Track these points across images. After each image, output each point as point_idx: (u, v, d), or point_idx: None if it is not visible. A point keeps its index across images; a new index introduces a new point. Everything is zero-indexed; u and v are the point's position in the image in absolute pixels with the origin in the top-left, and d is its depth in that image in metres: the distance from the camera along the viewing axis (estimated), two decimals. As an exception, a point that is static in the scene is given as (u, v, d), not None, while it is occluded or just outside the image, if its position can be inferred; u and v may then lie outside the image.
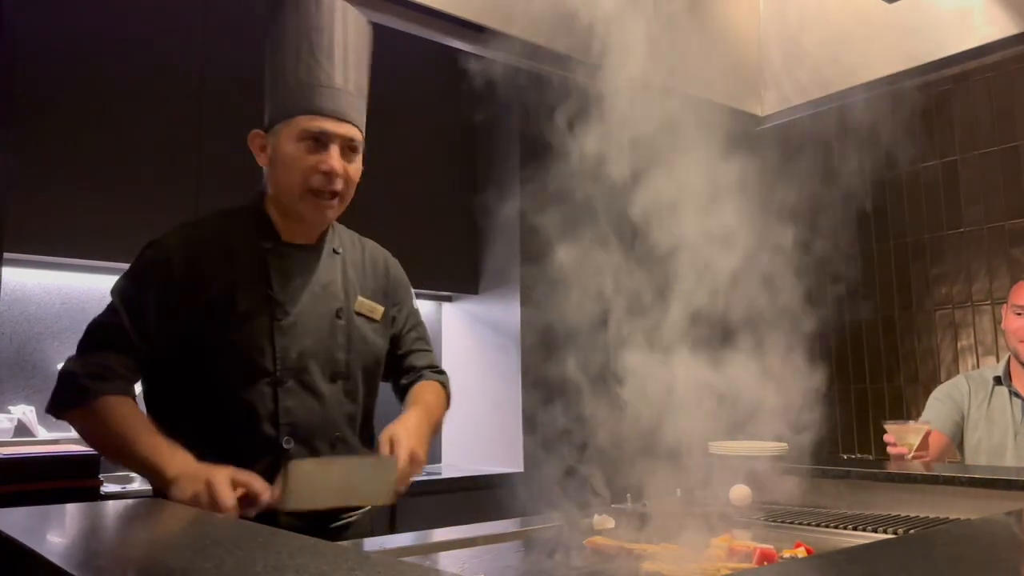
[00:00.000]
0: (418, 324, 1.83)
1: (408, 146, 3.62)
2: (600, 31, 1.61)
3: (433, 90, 3.69)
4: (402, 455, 1.49)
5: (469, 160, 3.95)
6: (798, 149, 3.66)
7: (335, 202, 1.61)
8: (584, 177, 1.56)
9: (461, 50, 3.00)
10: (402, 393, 1.77)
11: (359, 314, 1.68)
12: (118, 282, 1.58)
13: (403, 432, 1.55)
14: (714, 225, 1.59)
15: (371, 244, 1.81)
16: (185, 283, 1.53)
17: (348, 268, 1.70)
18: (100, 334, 1.54)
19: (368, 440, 1.71)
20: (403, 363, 1.78)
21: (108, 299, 1.57)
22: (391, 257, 1.84)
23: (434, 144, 3.76)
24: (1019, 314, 2.56)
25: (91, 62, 2.89)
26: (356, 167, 1.63)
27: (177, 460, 1.41)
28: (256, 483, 1.39)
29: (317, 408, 1.57)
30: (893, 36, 3.72)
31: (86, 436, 1.54)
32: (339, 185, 1.59)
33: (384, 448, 1.52)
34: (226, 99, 3.16)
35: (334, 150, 1.57)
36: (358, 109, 1.64)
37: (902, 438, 2.28)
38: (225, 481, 1.36)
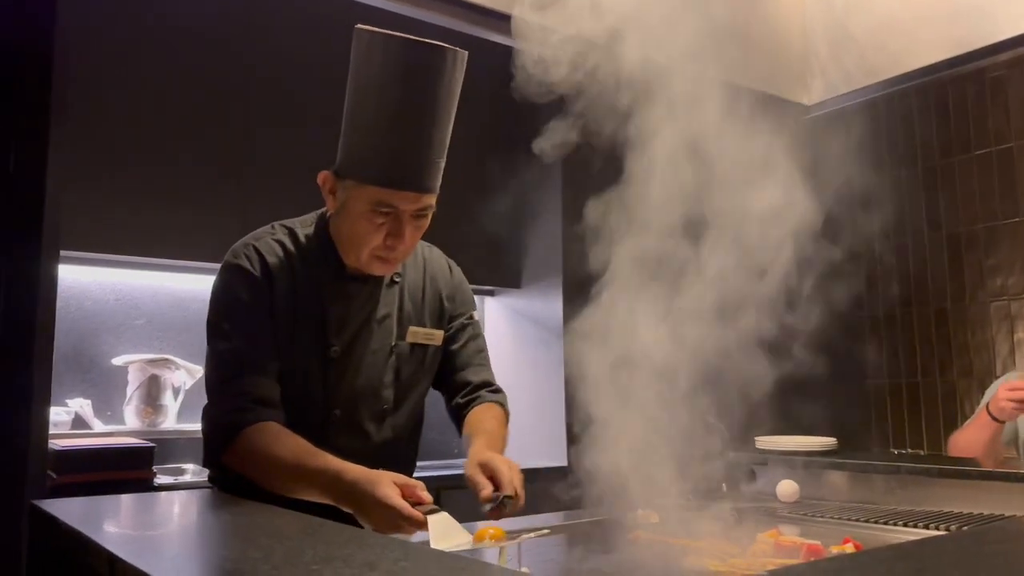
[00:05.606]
0: (477, 336, 1.74)
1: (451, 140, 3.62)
2: (643, 23, 1.59)
3: (475, 81, 3.69)
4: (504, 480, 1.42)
5: (511, 153, 3.95)
6: (845, 138, 3.59)
7: (400, 258, 1.56)
8: (625, 169, 1.55)
9: (499, 43, 3.01)
10: (456, 413, 1.69)
11: (415, 344, 1.63)
12: (209, 315, 1.52)
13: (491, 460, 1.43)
14: (760, 216, 1.57)
15: (434, 256, 1.75)
16: (266, 293, 1.50)
17: (406, 297, 1.64)
18: (220, 371, 1.47)
19: (410, 458, 1.69)
20: (458, 378, 1.70)
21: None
22: (454, 268, 1.77)
23: (476, 138, 3.76)
24: None
25: (143, 60, 2.96)
26: (426, 222, 1.54)
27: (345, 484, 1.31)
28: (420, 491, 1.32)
29: (361, 445, 1.54)
30: (942, 22, 3.62)
31: (250, 475, 1.44)
32: (405, 252, 1.54)
33: (480, 479, 1.40)
34: (274, 94, 3.21)
35: (407, 226, 1.49)
36: (438, 168, 1.51)
37: None
38: (402, 502, 1.28)
